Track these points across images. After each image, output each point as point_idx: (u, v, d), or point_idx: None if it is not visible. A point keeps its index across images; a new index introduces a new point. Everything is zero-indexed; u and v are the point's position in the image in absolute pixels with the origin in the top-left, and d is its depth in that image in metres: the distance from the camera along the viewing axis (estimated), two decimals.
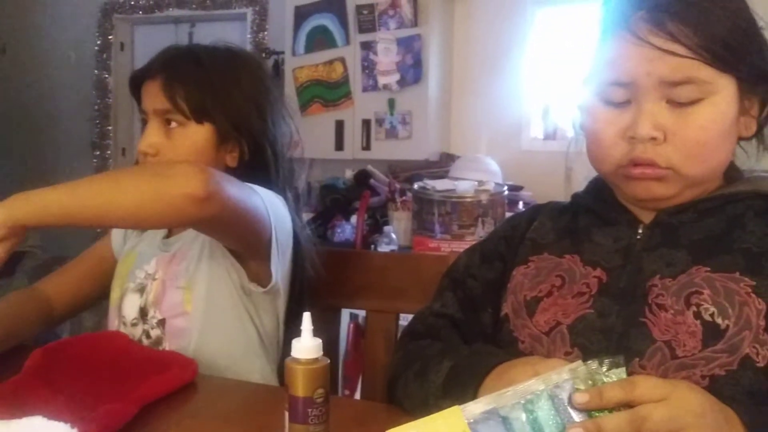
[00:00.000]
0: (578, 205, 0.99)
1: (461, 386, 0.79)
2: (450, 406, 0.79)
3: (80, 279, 1.30)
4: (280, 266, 1.13)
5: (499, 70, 3.44)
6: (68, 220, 0.92)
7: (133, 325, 1.18)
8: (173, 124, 1.15)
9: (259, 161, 1.19)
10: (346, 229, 3.04)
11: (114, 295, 1.24)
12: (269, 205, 1.10)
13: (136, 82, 1.21)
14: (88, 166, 4.52)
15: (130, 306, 1.19)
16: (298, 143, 1.28)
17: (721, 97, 0.82)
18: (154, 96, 1.16)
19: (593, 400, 0.64)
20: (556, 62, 3.35)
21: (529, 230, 1.00)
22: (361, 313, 2.24)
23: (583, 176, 1.03)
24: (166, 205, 0.92)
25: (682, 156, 0.82)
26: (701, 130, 0.82)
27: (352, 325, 2.80)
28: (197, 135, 1.16)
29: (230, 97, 1.16)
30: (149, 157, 1.16)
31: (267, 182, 1.18)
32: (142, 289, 1.19)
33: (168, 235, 1.25)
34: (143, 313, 1.17)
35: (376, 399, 1.06)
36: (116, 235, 1.32)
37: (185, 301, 1.14)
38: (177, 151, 1.15)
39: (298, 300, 1.21)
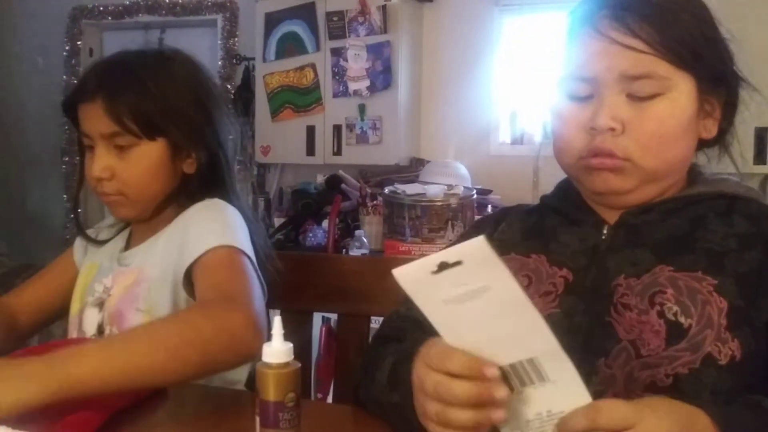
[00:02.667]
0: (546, 207, 1.01)
1: (402, 381, 0.79)
2: (397, 402, 0.80)
3: (45, 291, 1.27)
4: None
5: (467, 77, 3.47)
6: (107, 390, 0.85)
7: None
8: (124, 145, 1.12)
9: (213, 165, 1.18)
10: (318, 234, 3.04)
11: (74, 307, 1.22)
12: (244, 239, 1.10)
13: (71, 105, 1.15)
14: (57, 172, 4.46)
15: (90, 321, 1.17)
16: (246, 146, 1.29)
17: (679, 93, 0.85)
18: (98, 119, 1.11)
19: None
20: (523, 69, 3.40)
21: (497, 231, 1.01)
22: (334, 317, 2.25)
23: (550, 180, 1.05)
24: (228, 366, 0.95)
25: (640, 147, 0.85)
26: (658, 123, 0.84)
27: (324, 328, 2.80)
28: (152, 152, 1.13)
29: (177, 107, 1.13)
30: (104, 182, 1.12)
31: (221, 186, 1.19)
32: (101, 304, 1.17)
33: (126, 247, 1.23)
34: (100, 329, 1.15)
35: (348, 402, 1.07)
36: (78, 246, 1.30)
37: (144, 321, 1.11)
38: (133, 171, 1.12)
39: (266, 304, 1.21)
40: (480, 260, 0.60)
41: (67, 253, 1.31)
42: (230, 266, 1.05)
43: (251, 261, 1.09)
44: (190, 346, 0.89)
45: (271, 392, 0.79)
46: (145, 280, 1.14)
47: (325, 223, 3.01)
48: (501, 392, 0.64)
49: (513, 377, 0.65)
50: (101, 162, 1.12)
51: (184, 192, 1.18)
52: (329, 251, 2.87)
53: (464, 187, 2.84)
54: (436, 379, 0.67)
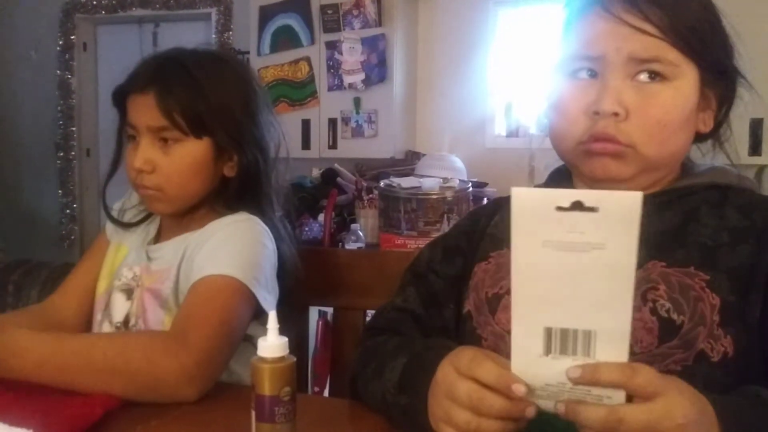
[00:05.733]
0: None
1: (415, 382, 0.78)
2: (406, 404, 0.79)
3: (91, 277, 1.25)
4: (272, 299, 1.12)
5: (462, 69, 3.47)
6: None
7: (117, 327, 1.17)
8: (169, 140, 1.12)
9: (252, 171, 1.17)
10: (314, 228, 3.04)
11: (101, 285, 1.22)
12: (252, 268, 1.08)
13: (122, 94, 1.15)
14: (52, 168, 4.45)
15: (118, 308, 1.18)
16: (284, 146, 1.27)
17: (684, 82, 0.84)
18: (147, 112, 1.11)
19: (585, 375, 0.62)
20: (518, 61, 3.40)
21: (490, 225, 1.00)
22: (330, 310, 2.25)
23: (546, 172, 1.04)
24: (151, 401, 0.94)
25: (643, 134, 0.83)
26: (663, 111, 0.83)
27: (320, 322, 2.81)
28: (196, 150, 1.12)
29: (226, 109, 1.13)
30: (144, 174, 1.12)
31: (258, 193, 1.17)
32: (129, 292, 1.18)
33: (155, 241, 1.22)
34: (127, 320, 1.16)
35: (345, 396, 1.07)
36: (110, 224, 1.28)
37: (167, 322, 1.11)
38: (174, 167, 1.12)
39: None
40: (622, 216, 0.57)
41: (100, 236, 1.30)
42: (215, 299, 1.04)
43: (256, 291, 1.07)
44: (115, 376, 0.93)
45: (266, 386, 0.79)
46: (169, 278, 1.14)
47: (321, 217, 3.01)
48: (531, 411, 0.64)
49: (558, 341, 0.63)
50: (144, 154, 1.12)
51: (222, 196, 1.17)
52: (325, 245, 2.87)
53: (460, 180, 2.84)
54: (471, 388, 0.66)
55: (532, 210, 0.59)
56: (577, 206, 0.58)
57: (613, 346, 0.62)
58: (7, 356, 0.92)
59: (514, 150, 3.30)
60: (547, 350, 0.63)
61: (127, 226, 1.26)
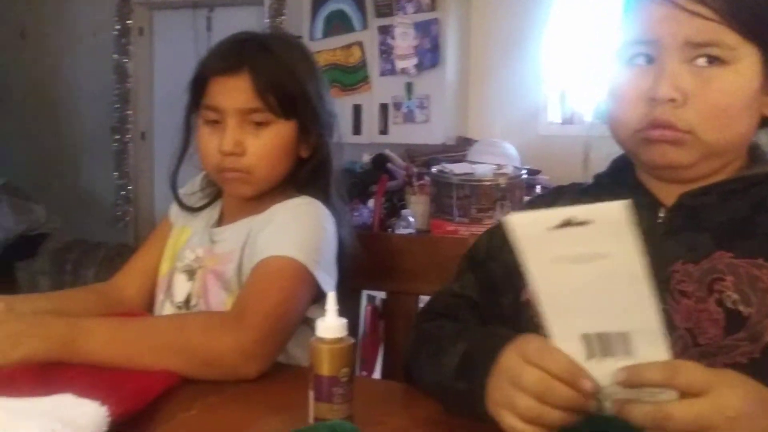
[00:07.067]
0: (600, 186, 0.98)
1: (475, 369, 0.78)
2: (464, 389, 0.79)
3: (154, 260, 1.28)
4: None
5: (516, 54, 3.41)
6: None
7: (178, 308, 1.19)
8: (259, 122, 1.12)
9: (325, 152, 1.19)
10: (363, 213, 3.04)
11: (163, 267, 1.25)
12: (314, 252, 1.09)
13: (203, 78, 1.15)
14: (108, 150, 4.55)
15: (179, 289, 1.20)
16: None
17: (744, 65, 0.81)
18: (238, 94, 1.11)
19: (630, 378, 0.63)
20: (574, 47, 3.33)
21: None
22: (379, 296, 2.25)
23: (601, 162, 1.02)
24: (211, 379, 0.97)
25: (702, 119, 0.81)
26: (722, 95, 0.81)
27: (369, 308, 2.82)
28: (284, 132, 1.14)
29: (309, 91, 1.15)
30: (233, 157, 1.12)
31: (325, 177, 1.19)
32: (190, 273, 1.20)
33: (219, 223, 1.24)
34: (188, 300, 1.18)
35: (396, 380, 1.07)
36: (174, 207, 1.30)
37: (229, 304, 1.13)
38: (265, 149, 1.13)
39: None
40: (614, 226, 0.58)
41: (164, 220, 1.33)
42: (275, 280, 1.05)
43: (316, 273, 1.08)
44: (176, 354, 0.95)
45: (325, 367, 0.80)
46: (232, 261, 1.15)
47: (370, 203, 3.01)
48: (593, 404, 0.65)
49: (598, 345, 0.64)
50: (234, 136, 1.12)
51: (294, 179, 1.19)
52: (375, 230, 2.87)
53: (513, 167, 2.80)
54: (539, 376, 0.66)
55: (529, 234, 0.61)
56: (569, 223, 0.58)
57: (651, 345, 0.62)
58: (73, 339, 0.94)
59: (568, 138, 3.24)
60: (590, 354, 0.64)
61: (194, 210, 1.27)
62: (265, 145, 1.13)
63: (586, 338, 0.64)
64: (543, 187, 2.86)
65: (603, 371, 0.64)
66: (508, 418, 0.69)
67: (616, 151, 0.95)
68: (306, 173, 1.19)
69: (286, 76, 1.13)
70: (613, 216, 0.58)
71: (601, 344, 0.64)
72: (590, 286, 0.61)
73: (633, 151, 0.90)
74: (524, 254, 0.62)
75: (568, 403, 0.65)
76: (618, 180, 0.95)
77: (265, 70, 1.11)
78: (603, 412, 0.66)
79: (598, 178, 1.00)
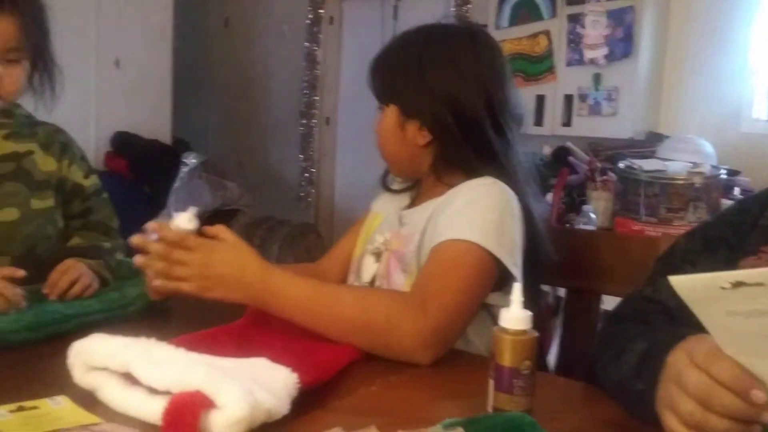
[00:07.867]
0: None
1: (651, 368, 0.74)
2: (642, 389, 0.76)
3: (349, 252, 1.35)
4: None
5: (719, 45, 3.16)
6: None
7: None
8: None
9: (480, 137, 1.17)
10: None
11: (356, 251, 1.31)
12: (497, 235, 1.07)
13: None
14: (295, 134, 4.80)
15: (367, 269, 1.25)
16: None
17: None
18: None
19: None
20: None
21: (762, 216, 0.90)
22: (553, 292, 2.19)
23: None
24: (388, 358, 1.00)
25: None
26: None
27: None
28: (388, 116, 1.22)
29: (412, 83, 1.18)
30: None
31: (494, 161, 1.17)
32: (378, 255, 1.24)
33: (409, 206, 1.27)
34: (373, 280, 1.22)
35: (572, 377, 1.04)
36: (376, 202, 1.37)
37: (406, 285, 1.15)
38: (379, 130, 1.25)
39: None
40: None
41: (366, 212, 1.39)
42: (456, 265, 1.04)
43: (501, 256, 1.06)
44: (358, 333, 0.99)
45: (506, 357, 0.79)
46: (413, 242, 1.17)
47: (549, 196, 2.93)
48: (767, 417, 0.62)
49: None
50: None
51: (438, 162, 1.21)
52: (552, 225, 2.79)
53: (711, 166, 2.60)
54: (701, 380, 0.64)
55: (699, 294, 0.61)
56: (741, 284, 0.58)
57: None
58: (268, 296, 1.00)
59: None
60: None
61: (393, 191, 1.33)
62: (380, 126, 1.23)
63: None
64: (743, 190, 2.62)
65: None
66: (669, 419, 0.67)
67: None
68: (447, 160, 1.19)
69: (393, 66, 1.22)
70: None
71: None
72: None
73: None
74: (696, 309, 0.63)
75: (735, 413, 0.62)
76: None
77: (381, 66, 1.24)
78: None
79: None
